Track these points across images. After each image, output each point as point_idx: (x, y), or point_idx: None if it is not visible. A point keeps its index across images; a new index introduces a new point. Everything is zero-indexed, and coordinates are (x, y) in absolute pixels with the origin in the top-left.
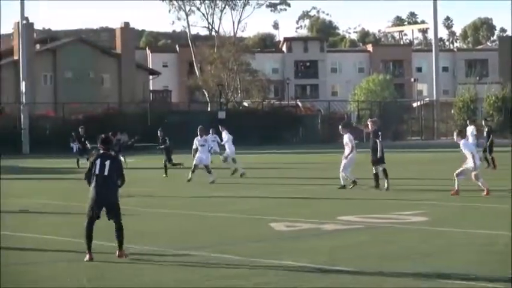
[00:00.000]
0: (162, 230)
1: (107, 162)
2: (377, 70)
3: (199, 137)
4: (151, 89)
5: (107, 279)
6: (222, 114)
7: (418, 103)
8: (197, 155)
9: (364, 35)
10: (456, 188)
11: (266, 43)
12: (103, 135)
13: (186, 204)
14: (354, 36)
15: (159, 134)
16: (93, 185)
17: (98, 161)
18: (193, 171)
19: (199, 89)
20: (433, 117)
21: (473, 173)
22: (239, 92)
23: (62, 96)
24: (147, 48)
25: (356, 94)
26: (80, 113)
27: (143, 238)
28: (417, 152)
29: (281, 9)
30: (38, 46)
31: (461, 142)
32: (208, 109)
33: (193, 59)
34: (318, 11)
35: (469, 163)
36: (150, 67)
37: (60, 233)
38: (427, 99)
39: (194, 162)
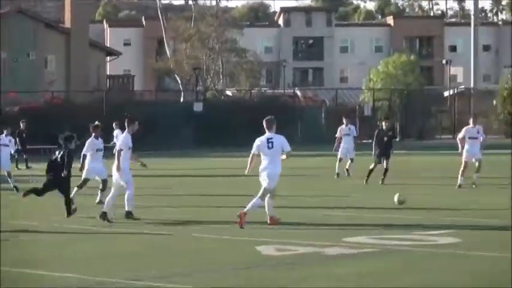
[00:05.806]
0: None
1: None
2: (399, 49)
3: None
4: (108, 73)
5: None
6: (198, 106)
7: (451, 91)
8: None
9: (384, 5)
10: None
11: (258, 15)
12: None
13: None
14: (371, 7)
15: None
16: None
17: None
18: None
19: (170, 74)
20: (470, 110)
21: None
22: (221, 77)
23: None
24: (104, 22)
25: (372, 80)
26: (16, 104)
27: None
28: (448, 154)
29: None
30: None
31: None
32: (181, 99)
33: (164, 35)
34: None
35: None
36: (108, 46)
37: None
38: (463, 86)
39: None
